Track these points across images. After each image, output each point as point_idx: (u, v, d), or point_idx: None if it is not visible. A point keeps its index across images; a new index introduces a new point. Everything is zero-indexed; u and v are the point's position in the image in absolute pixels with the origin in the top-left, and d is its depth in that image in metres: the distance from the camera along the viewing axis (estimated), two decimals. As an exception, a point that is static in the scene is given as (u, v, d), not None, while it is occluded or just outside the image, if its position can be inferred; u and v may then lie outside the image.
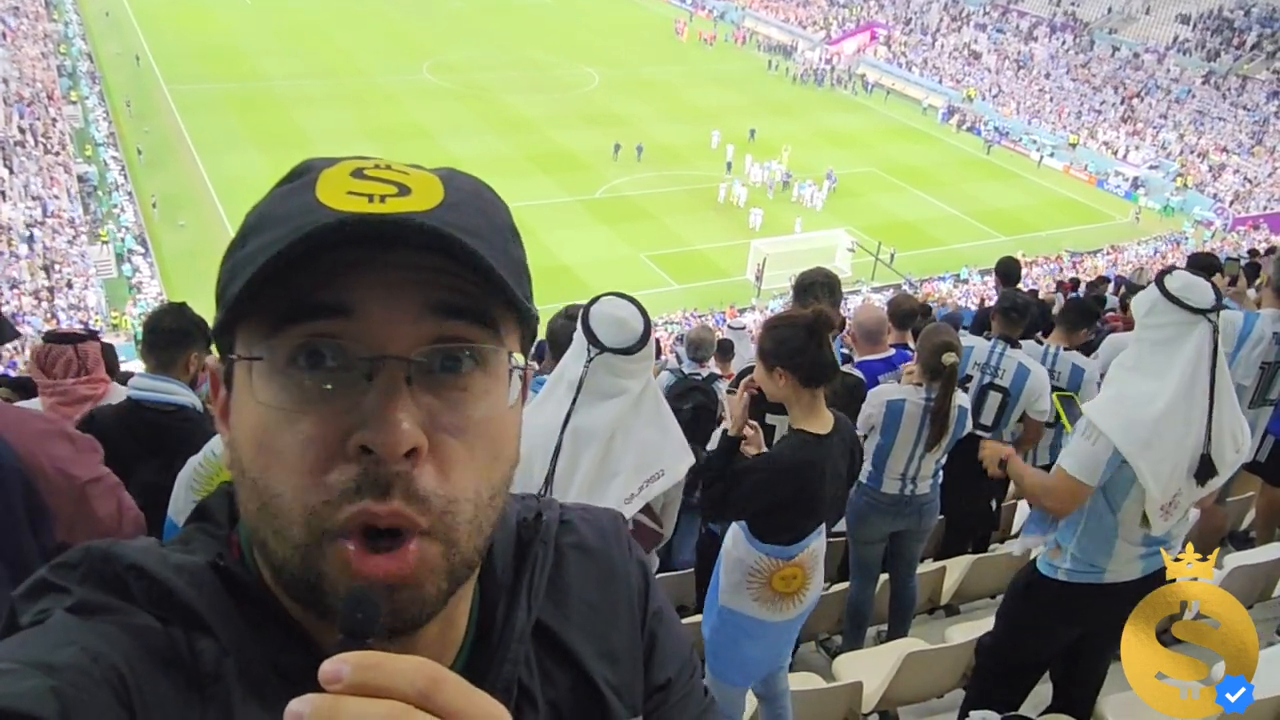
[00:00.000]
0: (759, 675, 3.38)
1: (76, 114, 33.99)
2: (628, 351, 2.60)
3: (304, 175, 0.69)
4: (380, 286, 0.63)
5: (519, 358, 0.70)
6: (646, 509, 2.84)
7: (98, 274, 24.87)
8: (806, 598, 3.23)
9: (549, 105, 40.52)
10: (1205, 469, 2.80)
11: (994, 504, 5.62)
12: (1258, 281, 4.88)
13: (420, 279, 0.64)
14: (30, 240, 24.43)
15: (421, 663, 0.48)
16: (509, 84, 42.73)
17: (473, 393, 0.66)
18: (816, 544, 3.18)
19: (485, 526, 0.69)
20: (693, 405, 5.02)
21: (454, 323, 0.65)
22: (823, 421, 3.04)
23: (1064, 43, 51.14)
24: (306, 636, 0.70)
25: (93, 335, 3.82)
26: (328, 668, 0.47)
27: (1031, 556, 3.26)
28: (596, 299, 2.70)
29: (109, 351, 5.14)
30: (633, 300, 2.71)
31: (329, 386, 0.63)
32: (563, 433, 2.56)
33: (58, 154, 29.87)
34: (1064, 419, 3.34)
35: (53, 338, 3.64)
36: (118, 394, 3.67)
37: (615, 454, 2.65)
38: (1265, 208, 36.74)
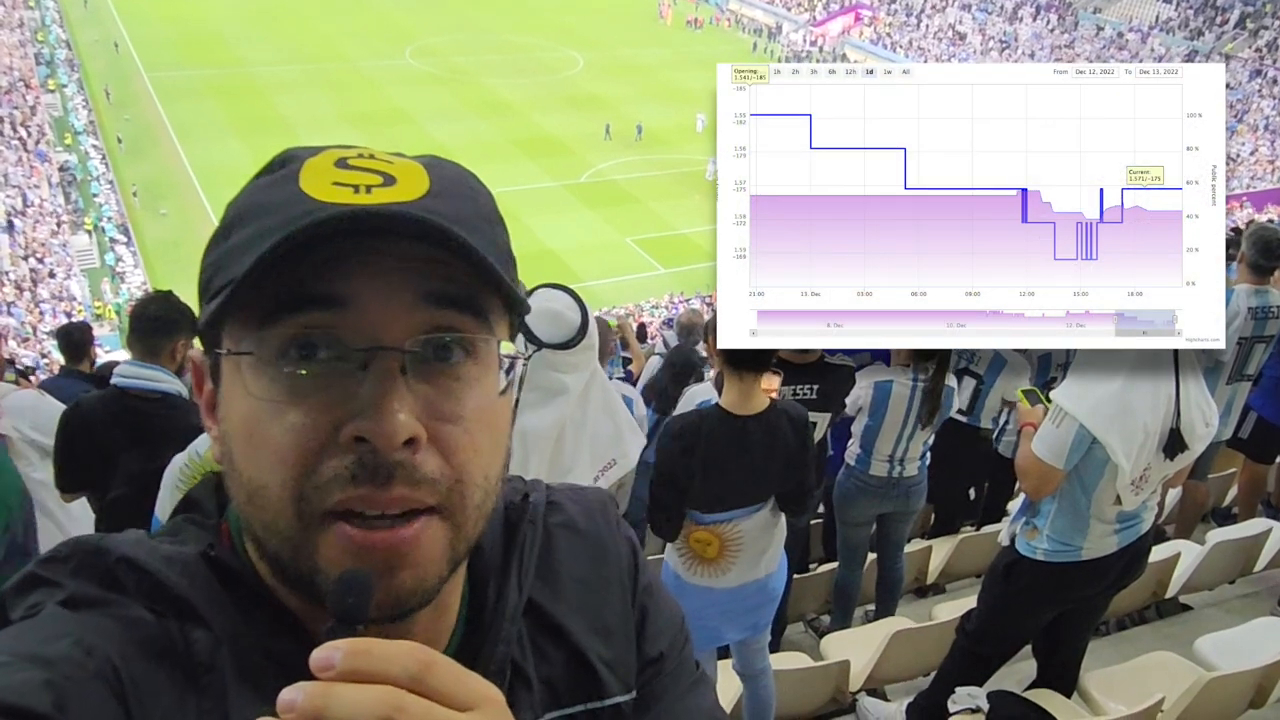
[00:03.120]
0: (699, 645, 3.38)
1: (55, 102, 33.63)
2: (565, 345, 2.52)
3: (286, 165, 0.68)
4: (372, 277, 0.63)
5: (508, 346, 0.69)
6: None
7: (79, 263, 24.67)
8: (731, 572, 3.20)
9: (532, 89, 40.29)
10: (1174, 443, 2.84)
11: (971, 492, 5.65)
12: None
13: (411, 268, 0.63)
14: (10, 230, 24.21)
15: (413, 647, 0.49)
16: (492, 68, 42.46)
17: (465, 382, 0.66)
18: (746, 525, 3.16)
19: (487, 512, 0.69)
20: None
21: (446, 312, 0.65)
22: (749, 405, 3.05)
23: (1048, 23, 51.15)
24: (299, 623, 0.70)
25: None
26: (319, 655, 0.47)
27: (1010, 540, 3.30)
28: (530, 292, 2.55)
29: (80, 334, 5.08)
30: (568, 290, 2.62)
31: (322, 378, 0.63)
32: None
33: (37, 143, 29.57)
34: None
35: None
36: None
37: (567, 452, 2.59)
38: (1248, 185, 36.90)
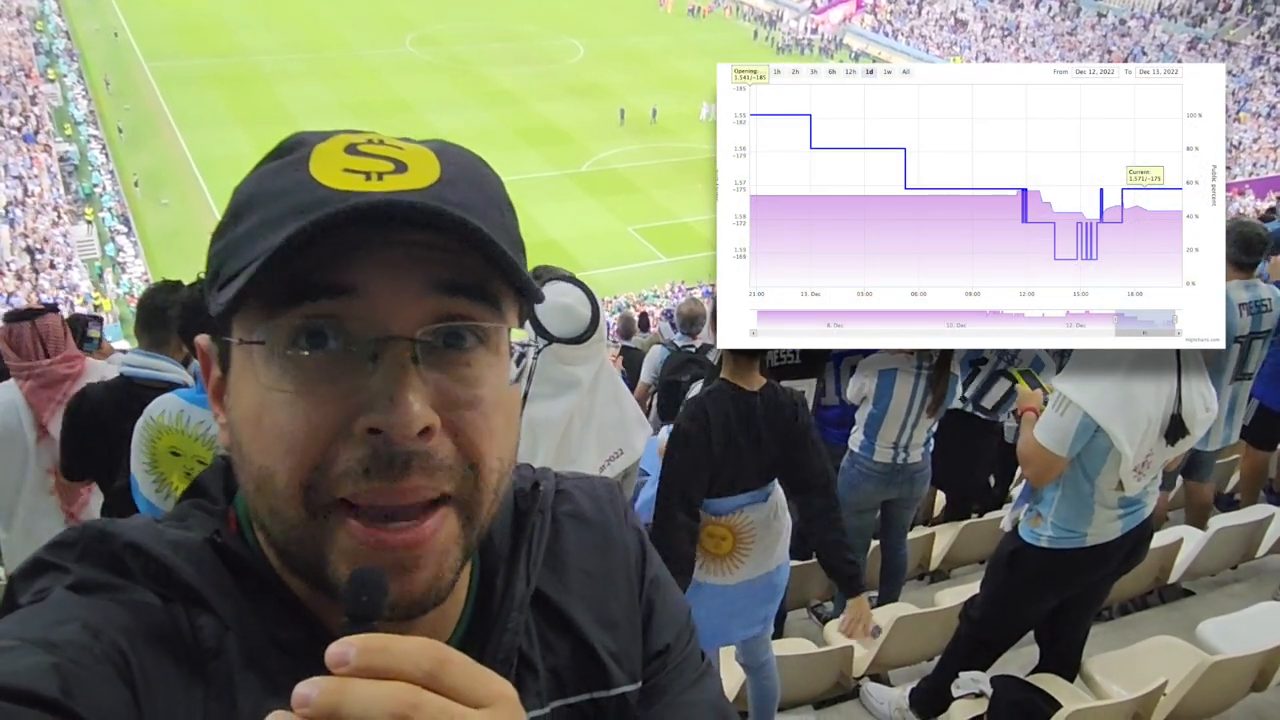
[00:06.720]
0: (708, 644, 3.39)
1: (55, 92, 33.57)
2: (578, 340, 2.52)
3: (295, 150, 0.67)
4: (382, 265, 0.62)
5: (519, 334, 0.69)
6: None
7: (80, 254, 24.66)
8: (743, 565, 3.20)
9: (533, 78, 40.20)
10: (1176, 429, 2.85)
11: (991, 481, 5.64)
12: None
13: (422, 256, 0.63)
14: (10, 221, 24.22)
15: (427, 644, 0.49)
16: (493, 56, 42.34)
17: (477, 369, 0.66)
18: (753, 513, 3.15)
19: (501, 496, 0.69)
20: (691, 376, 5.10)
21: (457, 300, 0.64)
22: (751, 382, 3.06)
23: (1050, 10, 50.90)
24: (305, 610, 0.70)
25: (51, 309, 3.77)
26: (334, 650, 0.47)
27: (1013, 526, 3.31)
28: (541, 283, 2.57)
29: (76, 323, 5.13)
30: (579, 283, 2.61)
31: (332, 367, 0.62)
32: None
33: (37, 132, 29.54)
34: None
35: (11, 317, 3.60)
36: (95, 369, 3.65)
37: (574, 440, 2.59)
38: (1250, 173, 36.76)
